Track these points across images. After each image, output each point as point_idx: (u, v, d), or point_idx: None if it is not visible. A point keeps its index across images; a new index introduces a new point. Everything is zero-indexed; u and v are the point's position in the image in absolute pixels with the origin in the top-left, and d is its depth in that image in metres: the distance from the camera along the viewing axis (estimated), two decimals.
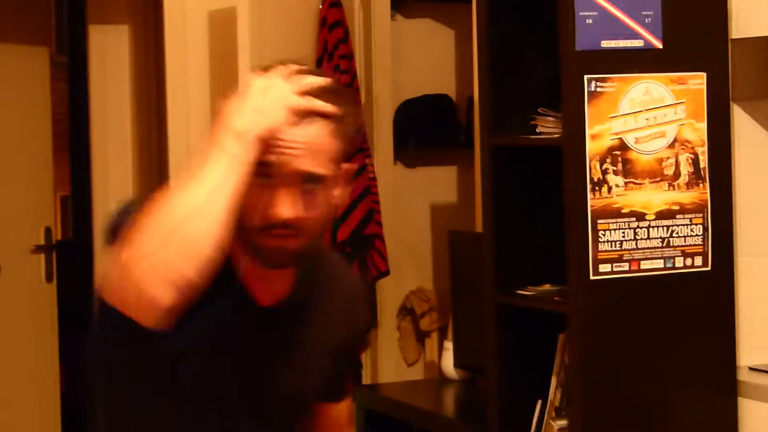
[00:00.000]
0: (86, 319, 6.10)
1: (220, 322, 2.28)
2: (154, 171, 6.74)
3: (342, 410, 2.64)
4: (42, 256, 6.81)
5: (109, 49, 6.76)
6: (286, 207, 2.11)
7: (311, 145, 2.13)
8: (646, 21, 3.86)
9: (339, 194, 2.25)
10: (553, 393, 4.11)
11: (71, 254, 7.18)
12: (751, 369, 4.22)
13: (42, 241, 6.85)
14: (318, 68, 2.41)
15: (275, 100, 2.07)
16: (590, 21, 3.76)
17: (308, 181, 2.13)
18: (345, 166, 2.24)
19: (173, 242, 2.03)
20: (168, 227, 2.04)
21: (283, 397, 2.42)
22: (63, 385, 7.00)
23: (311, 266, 2.39)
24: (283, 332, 2.39)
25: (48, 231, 6.84)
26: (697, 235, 4.01)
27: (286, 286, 2.34)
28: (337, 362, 2.50)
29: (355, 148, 2.42)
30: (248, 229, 2.16)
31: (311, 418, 2.56)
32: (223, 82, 5.72)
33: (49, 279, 6.81)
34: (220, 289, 2.21)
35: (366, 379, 5.85)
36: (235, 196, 2.06)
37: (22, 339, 6.64)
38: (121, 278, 2.05)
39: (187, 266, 2.00)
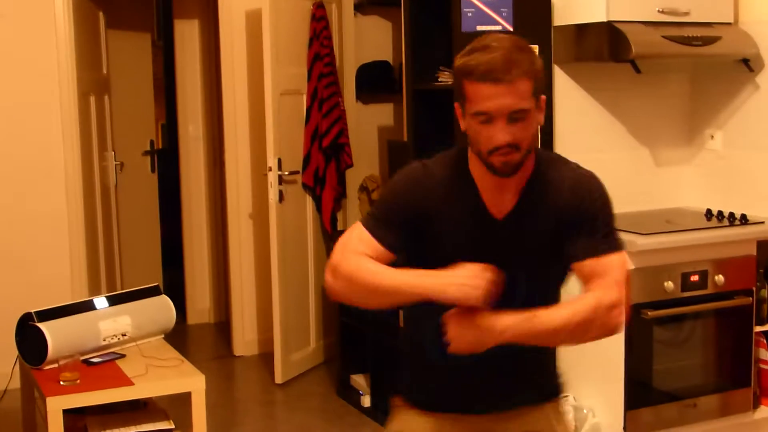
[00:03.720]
0: (172, 193, 6.43)
1: (470, 238, 2.32)
2: (213, 112, 6.94)
3: (607, 263, 2.26)
4: (148, 157, 7.17)
5: (186, 35, 6.88)
6: (504, 134, 2.14)
7: (513, 89, 2.12)
8: (503, 14, 4.16)
9: (540, 117, 2.23)
10: None
11: (165, 156, 7.55)
12: None
13: (148, 148, 7.18)
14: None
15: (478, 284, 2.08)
16: (470, 14, 4.11)
17: (515, 114, 2.14)
18: (542, 97, 2.21)
19: (364, 299, 2.29)
20: (365, 291, 2.24)
21: (529, 269, 2.33)
22: (162, 229, 7.38)
23: (537, 183, 2.32)
24: (510, 233, 2.32)
25: (152, 143, 7.24)
26: None
27: (511, 201, 2.31)
28: (580, 235, 2.28)
29: (543, 84, 2.18)
30: (482, 154, 2.20)
31: (581, 276, 2.29)
32: (257, 57, 5.72)
33: (152, 170, 7.23)
34: (467, 216, 2.32)
35: (341, 227, 5.95)
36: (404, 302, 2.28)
37: (139, 204, 7.08)
38: (334, 282, 2.26)
39: (365, 305, 2.33)
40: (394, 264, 2.29)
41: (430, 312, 2.23)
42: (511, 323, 2.14)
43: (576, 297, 2.25)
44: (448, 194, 2.33)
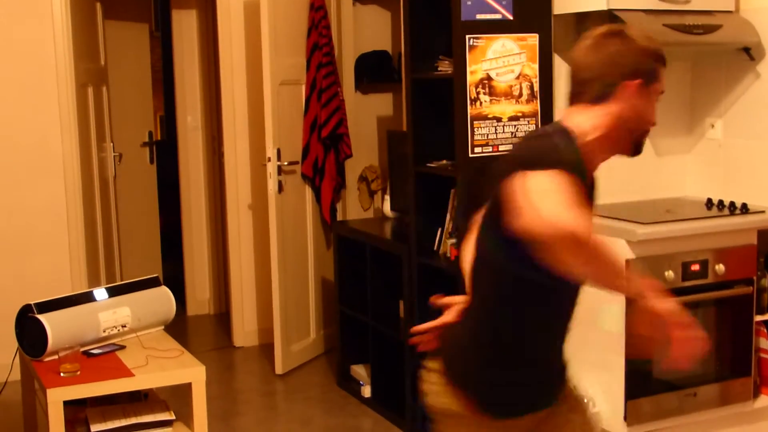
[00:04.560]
0: (171, 184, 6.44)
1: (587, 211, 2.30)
2: (212, 103, 6.94)
3: None
4: (147, 148, 7.19)
5: (184, 26, 6.86)
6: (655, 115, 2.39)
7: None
8: (503, 2, 4.15)
9: None
10: (448, 223, 4.43)
11: (163, 148, 7.55)
12: None
13: (147, 139, 7.19)
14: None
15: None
16: (470, 2, 4.07)
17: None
18: None
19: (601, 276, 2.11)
20: (606, 268, 2.09)
21: None
22: (161, 220, 7.38)
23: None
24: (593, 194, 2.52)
25: (150, 134, 7.24)
26: (532, 130, 4.26)
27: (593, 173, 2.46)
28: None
29: None
30: (639, 134, 2.40)
31: None
32: (255, 48, 5.69)
33: (151, 162, 7.24)
34: (586, 191, 2.34)
35: (340, 217, 6.02)
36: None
37: (138, 195, 7.11)
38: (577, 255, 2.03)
39: (601, 284, 2.14)
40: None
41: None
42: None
43: None
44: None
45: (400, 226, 5.09)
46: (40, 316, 4.08)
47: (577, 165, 2.24)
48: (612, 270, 2.12)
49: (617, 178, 4.51)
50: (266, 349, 6.12)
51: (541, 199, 2.05)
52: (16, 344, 4.37)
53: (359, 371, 5.35)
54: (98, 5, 6.44)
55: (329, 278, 5.98)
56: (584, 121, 2.34)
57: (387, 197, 5.38)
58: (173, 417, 4.08)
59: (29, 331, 4.11)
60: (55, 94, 5.65)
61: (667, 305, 2.15)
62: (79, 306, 4.25)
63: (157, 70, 7.52)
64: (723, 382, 4.33)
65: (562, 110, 2.52)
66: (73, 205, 5.75)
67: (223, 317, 7.01)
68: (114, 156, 6.65)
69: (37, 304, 4.13)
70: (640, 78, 2.32)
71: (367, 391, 5.22)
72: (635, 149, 2.42)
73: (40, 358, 4.09)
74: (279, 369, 5.68)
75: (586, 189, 2.34)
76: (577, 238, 1.98)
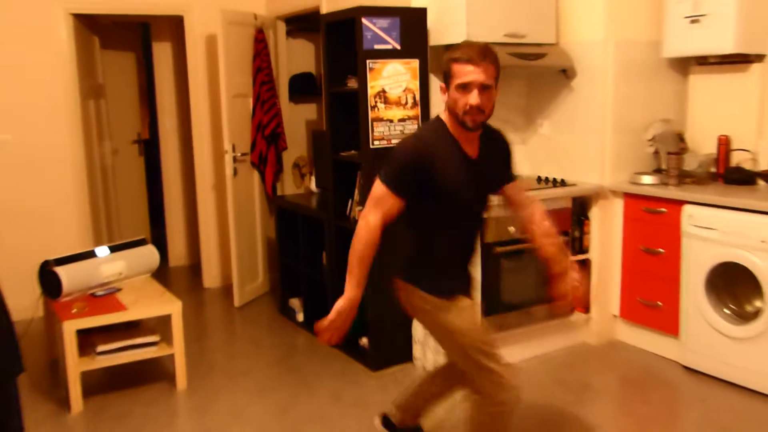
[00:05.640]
0: (155, 171, 6.26)
1: (459, 169, 2.52)
2: (184, 111, 6.74)
3: (517, 185, 2.76)
4: (136, 145, 7.01)
5: (162, 54, 6.64)
6: (475, 99, 2.42)
7: (484, 70, 2.41)
8: (393, 36, 4.06)
9: (496, 93, 2.49)
10: (357, 195, 4.37)
11: (149, 144, 7.29)
12: None
13: (136, 138, 7.01)
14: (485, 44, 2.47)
15: None
16: (369, 36, 4.00)
17: (484, 88, 2.43)
18: (497, 80, 2.48)
19: (357, 255, 2.45)
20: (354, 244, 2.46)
21: (487, 190, 2.69)
22: (148, 197, 7.16)
23: (483, 136, 2.60)
24: (482, 166, 2.60)
25: (138, 134, 7.05)
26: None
27: (477, 146, 2.59)
28: (505, 167, 2.72)
29: (498, 71, 2.47)
30: (459, 115, 2.46)
31: (506, 196, 2.76)
32: (214, 69, 5.82)
33: (140, 154, 7.03)
34: (454, 156, 2.52)
35: (279, 193, 5.87)
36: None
37: (130, 179, 6.91)
38: (362, 223, 2.47)
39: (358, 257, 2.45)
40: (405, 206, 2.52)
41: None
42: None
43: (533, 212, 2.75)
44: (440, 147, 2.51)
45: (323, 199, 5.05)
46: (56, 269, 4.06)
47: (424, 153, 2.48)
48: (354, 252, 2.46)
49: None
50: (227, 289, 6.09)
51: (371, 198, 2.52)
52: (39, 290, 4.30)
53: (294, 303, 5.33)
54: (96, 39, 6.28)
55: (272, 237, 5.97)
56: (446, 113, 2.58)
57: (313, 178, 5.32)
58: (158, 339, 4.12)
59: (48, 280, 4.11)
60: (65, 104, 5.51)
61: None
62: (85, 260, 4.26)
63: (142, 86, 7.22)
64: (548, 303, 4.37)
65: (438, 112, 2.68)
66: (80, 187, 5.65)
67: (195, 267, 6.93)
68: (111, 151, 6.57)
69: (54, 260, 4.14)
70: (444, 81, 2.52)
71: (300, 317, 5.19)
72: (463, 125, 2.49)
73: (57, 299, 4.07)
74: (236, 303, 5.65)
75: (462, 159, 2.54)
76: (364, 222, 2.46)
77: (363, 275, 2.45)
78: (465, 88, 2.43)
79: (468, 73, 2.42)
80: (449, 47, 4.17)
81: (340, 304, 2.43)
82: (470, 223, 2.67)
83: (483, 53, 2.42)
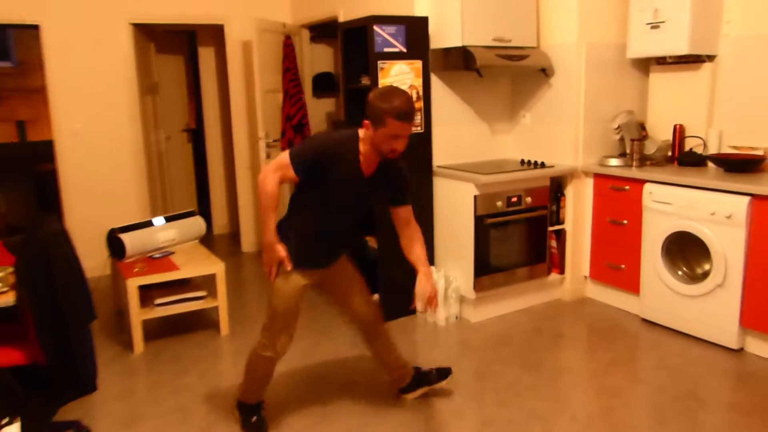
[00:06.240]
0: (200, 155, 6.28)
1: (349, 181, 2.46)
2: (225, 104, 6.65)
3: (405, 210, 2.60)
4: (185, 133, 6.91)
5: (206, 57, 6.53)
6: (402, 146, 2.38)
7: (413, 124, 2.42)
8: (399, 40, 4.02)
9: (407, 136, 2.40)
10: None
11: (195, 133, 7.17)
12: (438, 167, 4.25)
13: (185, 128, 6.92)
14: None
15: None
16: (380, 41, 3.94)
17: (408, 136, 2.39)
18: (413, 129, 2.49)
19: (264, 207, 2.42)
20: (260, 200, 2.43)
21: (367, 203, 2.57)
22: (195, 177, 7.07)
23: (382, 163, 2.51)
24: (371, 185, 2.52)
25: (187, 124, 6.93)
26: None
27: (373, 169, 2.50)
28: (393, 190, 2.57)
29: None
30: (384, 151, 2.39)
31: (396, 215, 2.60)
32: (250, 69, 5.75)
33: (188, 141, 6.95)
34: (350, 170, 2.45)
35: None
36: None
37: (180, 162, 6.81)
38: (262, 180, 2.41)
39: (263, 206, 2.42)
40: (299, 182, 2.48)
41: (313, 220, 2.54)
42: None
43: (413, 238, 2.61)
44: (342, 158, 2.44)
45: None
46: (121, 235, 4.06)
47: (328, 154, 2.40)
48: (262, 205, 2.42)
49: (469, 149, 4.58)
50: (261, 253, 6.04)
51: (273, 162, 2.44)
52: (107, 252, 4.31)
53: None
54: (152, 44, 6.23)
55: None
56: (363, 134, 2.45)
57: None
58: (205, 294, 4.12)
59: (114, 244, 4.10)
60: (126, 99, 5.46)
61: None
62: (144, 228, 4.24)
63: (190, 84, 7.13)
64: (530, 266, 4.35)
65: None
66: (139, 168, 5.60)
67: (234, 234, 6.94)
68: (164, 138, 6.54)
69: (119, 228, 4.14)
70: (373, 122, 2.37)
71: None
72: (384, 158, 2.44)
73: (122, 260, 4.07)
74: None
75: (355, 175, 2.46)
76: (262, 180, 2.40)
77: (273, 220, 2.46)
78: (395, 138, 2.35)
79: (404, 129, 2.34)
80: (448, 50, 4.17)
81: (264, 249, 2.50)
82: (345, 217, 2.58)
83: (413, 112, 2.34)
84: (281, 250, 2.51)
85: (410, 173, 2.51)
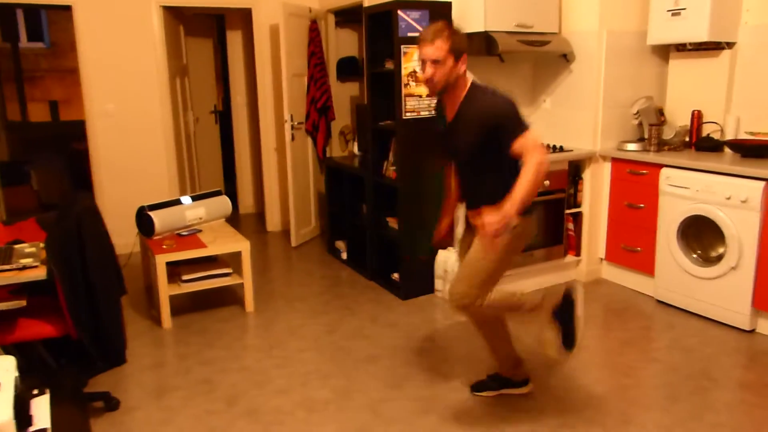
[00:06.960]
0: (228, 137, 6.28)
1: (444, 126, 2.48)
2: (251, 87, 6.65)
3: (520, 142, 2.28)
4: (213, 115, 6.95)
5: (234, 40, 6.53)
6: (426, 72, 2.33)
7: (432, 47, 2.28)
8: (423, 25, 3.95)
9: (458, 67, 2.31)
10: (391, 156, 4.31)
11: (222, 115, 7.27)
12: None
13: (213, 110, 6.94)
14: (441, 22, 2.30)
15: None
16: (404, 25, 3.91)
17: (435, 62, 2.30)
18: (463, 55, 2.31)
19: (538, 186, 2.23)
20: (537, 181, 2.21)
21: (458, 148, 2.46)
22: (222, 157, 7.11)
23: (464, 103, 2.37)
24: (455, 127, 2.43)
25: (215, 106, 6.97)
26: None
27: (453, 112, 2.43)
28: (486, 131, 2.33)
29: (461, 48, 2.29)
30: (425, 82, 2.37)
31: (510, 153, 2.32)
32: (277, 53, 5.75)
33: (216, 123, 6.98)
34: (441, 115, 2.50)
35: (328, 155, 5.77)
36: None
37: (208, 142, 6.61)
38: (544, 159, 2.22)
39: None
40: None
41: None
42: (509, 208, 2.20)
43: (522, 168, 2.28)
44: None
45: (364, 160, 5.02)
46: (150, 213, 4.08)
47: None
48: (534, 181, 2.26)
49: None
50: (285, 232, 6.12)
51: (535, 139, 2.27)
52: (136, 230, 4.35)
53: (340, 244, 5.33)
54: (181, 27, 6.24)
55: (322, 191, 5.94)
56: None
57: (356, 143, 5.30)
58: (231, 271, 4.13)
59: (144, 222, 4.12)
60: (157, 80, 5.48)
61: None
62: (173, 207, 4.25)
63: (218, 67, 7.19)
64: (548, 247, 4.36)
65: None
66: (169, 148, 5.63)
67: (260, 214, 6.98)
68: (193, 119, 6.52)
69: (148, 206, 4.14)
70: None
71: (344, 256, 5.20)
72: (461, 102, 2.40)
73: (151, 237, 4.11)
74: (293, 243, 5.65)
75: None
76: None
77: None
78: (423, 63, 2.34)
79: (420, 52, 2.33)
80: (471, 35, 4.14)
81: (505, 215, 2.20)
82: (465, 168, 2.52)
83: (434, 33, 2.27)
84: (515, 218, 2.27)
85: (504, 107, 2.32)
